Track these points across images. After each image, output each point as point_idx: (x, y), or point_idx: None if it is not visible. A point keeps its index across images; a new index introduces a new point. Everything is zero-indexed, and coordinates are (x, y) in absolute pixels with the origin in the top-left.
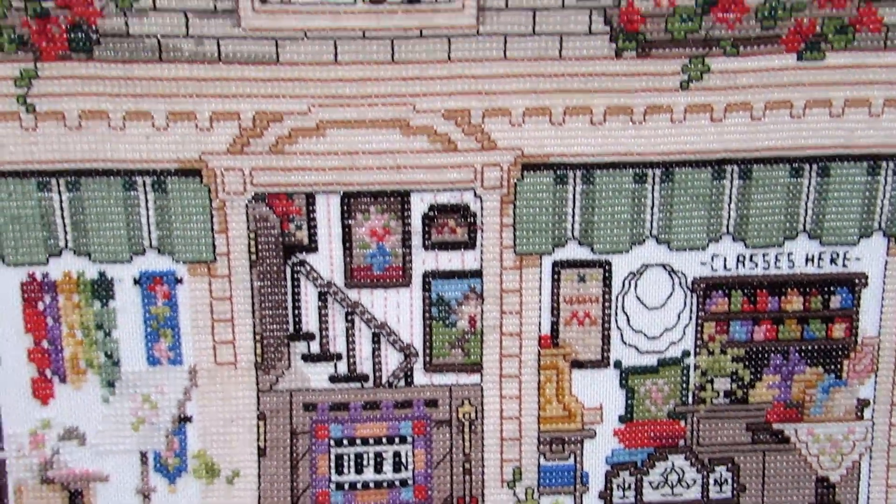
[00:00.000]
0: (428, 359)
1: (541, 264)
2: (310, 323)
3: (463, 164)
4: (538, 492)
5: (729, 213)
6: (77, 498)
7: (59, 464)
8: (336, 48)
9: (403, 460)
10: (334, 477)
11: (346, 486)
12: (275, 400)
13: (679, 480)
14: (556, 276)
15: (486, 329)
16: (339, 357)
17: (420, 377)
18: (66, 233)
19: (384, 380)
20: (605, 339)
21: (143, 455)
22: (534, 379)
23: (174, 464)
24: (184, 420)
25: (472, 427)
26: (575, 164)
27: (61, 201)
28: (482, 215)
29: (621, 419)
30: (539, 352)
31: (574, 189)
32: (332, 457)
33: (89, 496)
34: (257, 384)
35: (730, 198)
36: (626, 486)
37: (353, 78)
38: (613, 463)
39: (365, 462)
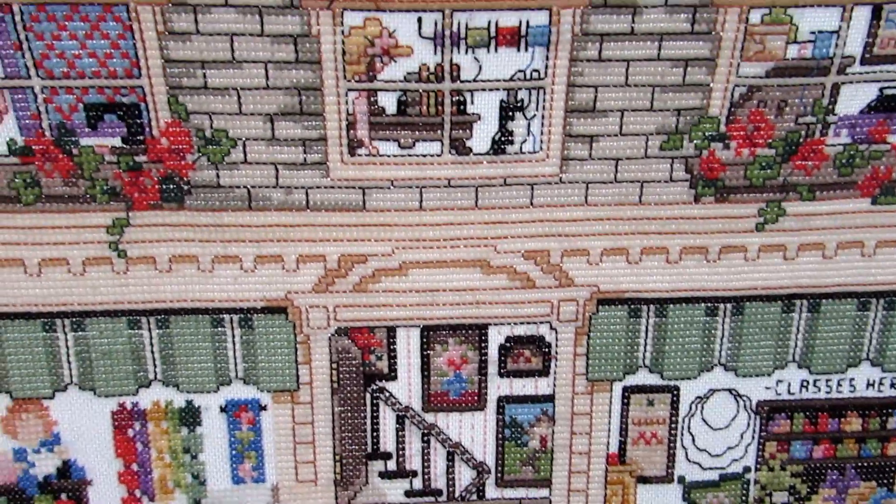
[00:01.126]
0: (500, 475)
1: (611, 389)
2: (387, 443)
3: (540, 300)
4: None
5: (796, 342)
6: None
7: None
8: (421, 195)
9: None
10: None
11: None
12: None
13: None
14: (625, 400)
15: (556, 448)
16: (414, 474)
17: (492, 491)
18: (155, 365)
19: (457, 494)
20: (671, 457)
21: None
22: (600, 493)
23: None
24: None
25: None
26: (649, 299)
27: (151, 338)
28: (557, 345)
29: None
30: (607, 469)
31: (647, 321)
32: None
33: None
34: (336, 499)
35: (797, 329)
36: None
37: (436, 223)
38: None
39: None
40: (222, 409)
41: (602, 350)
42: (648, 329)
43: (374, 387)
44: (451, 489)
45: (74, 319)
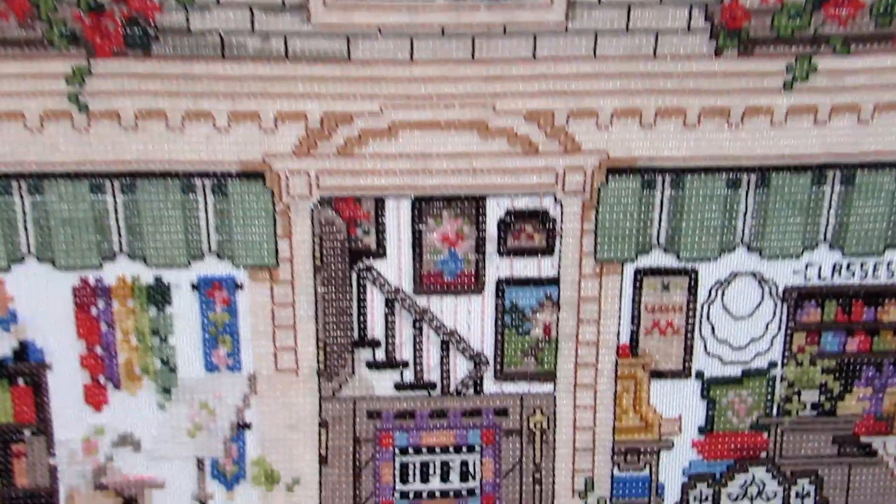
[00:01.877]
0: (499, 367)
1: (622, 272)
2: (375, 330)
3: (544, 168)
4: (611, 503)
5: (827, 220)
6: (130, 503)
7: (113, 470)
8: (412, 45)
9: (471, 469)
10: (399, 485)
11: (411, 495)
12: (337, 407)
13: (759, 493)
14: (638, 284)
15: (561, 337)
16: (405, 365)
17: (490, 386)
18: (120, 237)
19: (452, 388)
20: (688, 349)
21: (200, 462)
22: (610, 389)
23: (232, 471)
24: (242, 427)
25: (544, 437)
26: (664, 168)
27: (115, 204)
28: (562, 221)
29: (701, 430)
30: (617, 361)
31: (662, 194)
32: (397, 465)
33: (143, 500)
34: (319, 391)
35: (829, 204)
36: (703, 498)
37: (429, 77)
38: (691, 475)
39: (431, 471)
40: (194, 287)
41: (612, 226)
42: (663, 203)
43: (361, 265)
44: (445, 382)
45: (31, 181)
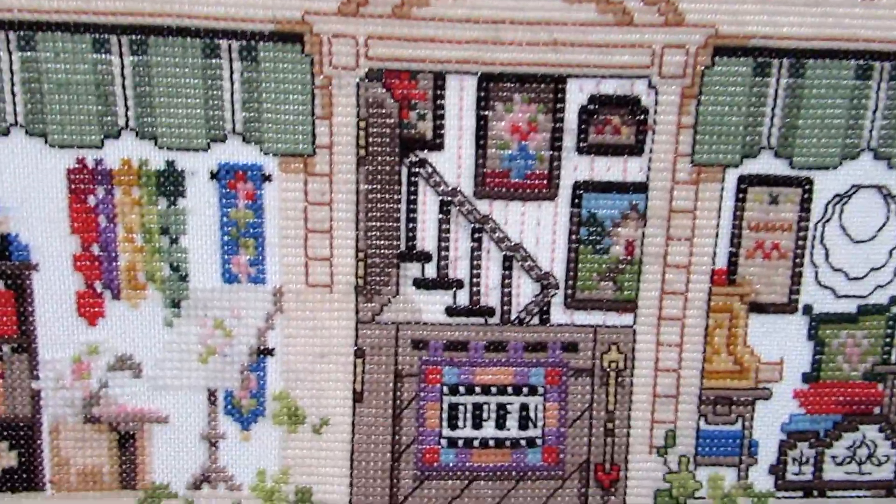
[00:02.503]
0: (570, 292)
1: (723, 179)
2: (426, 240)
3: (638, 44)
4: (694, 461)
5: None
6: (128, 442)
7: (108, 399)
8: None
9: (532, 415)
10: (446, 431)
11: (460, 443)
12: (377, 333)
13: (869, 456)
14: (741, 196)
15: (646, 258)
16: (459, 285)
17: (558, 314)
18: (127, 108)
19: (514, 316)
20: (795, 278)
21: (212, 393)
22: (701, 323)
23: (249, 406)
24: (264, 353)
25: (619, 379)
26: (781, 49)
27: (123, 66)
28: (656, 112)
29: (805, 378)
30: (711, 290)
31: (777, 83)
32: (445, 407)
33: (143, 440)
34: (356, 313)
35: None
36: (804, 460)
37: None
38: (791, 431)
39: (485, 415)
40: (213, 176)
41: (715, 121)
42: (778, 93)
43: (414, 158)
44: (505, 308)
45: (21, 33)
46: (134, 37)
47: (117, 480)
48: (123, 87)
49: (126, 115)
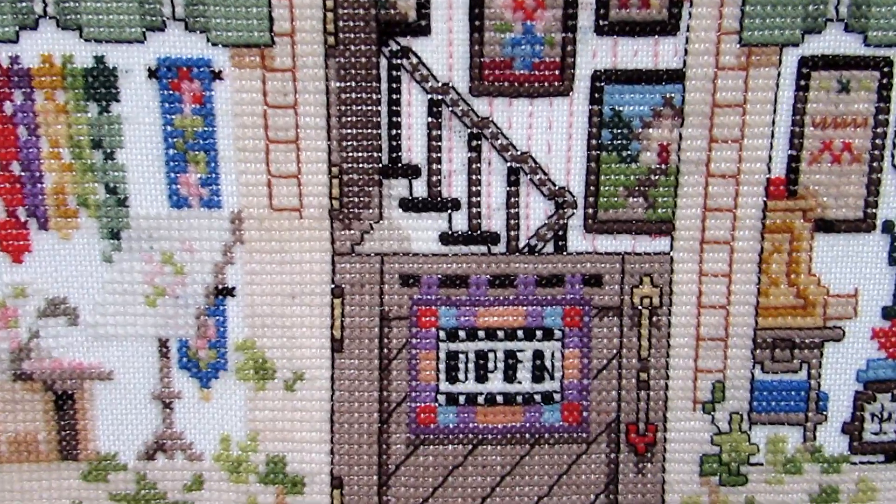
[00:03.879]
0: (591, 212)
1: (780, 62)
2: (414, 151)
3: None
4: (749, 419)
5: None
6: (66, 404)
7: (40, 352)
8: None
9: (548, 365)
10: (444, 386)
11: (462, 400)
12: (358, 268)
13: None
14: (802, 83)
15: (684, 166)
16: (455, 205)
17: (577, 240)
18: None
19: (523, 243)
20: (872, 188)
21: (163, 344)
22: (754, 247)
23: (208, 358)
24: (223, 293)
25: (654, 319)
26: None
27: None
28: None
29: (886, 314)
30: (766, 205)
31: None
32: (442, 356)
33: (84, 402)
34: (332, 243)
35: None
36: (885, 416)
37: None
38: (869, 380)
39: (490, 365)
40: (152, 74)
41: None
42: None
43: (395, 46)
44: (512, 234)
45: None
46: None
47: (55, 450)
48: None
49: (43, 0)
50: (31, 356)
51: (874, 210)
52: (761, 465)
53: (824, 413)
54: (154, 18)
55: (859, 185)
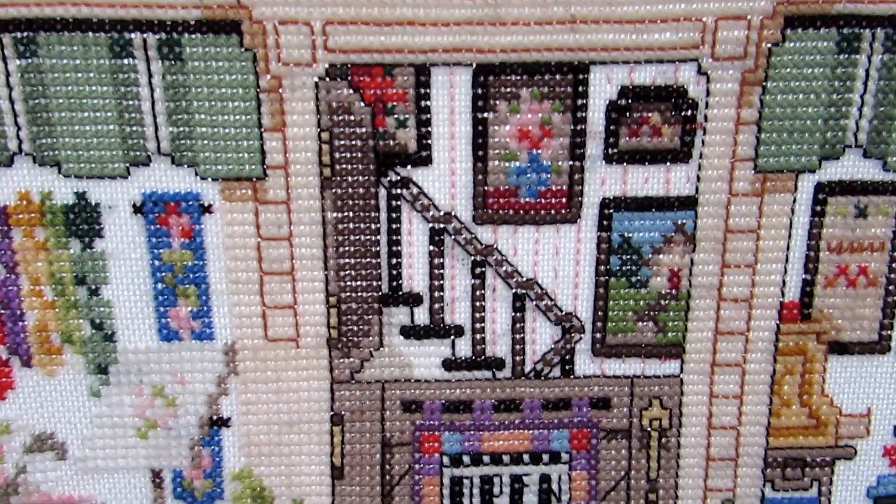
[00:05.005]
0: (599, 336)
1: (796, 188)
2: (415, 279)
3: (684, 17)
4: None
5: None
6: None
7: (28, 486)
8: None
9: (555, 488)
10: None
11: None
12: (358, 395)
13: None
14: (819, 209)
15: (695, 291)
16: (459, 332)
17: (585, 364)
18: (18, 127)
19: (529, 368)
20: (888, 311)
21: (157, 475)
22: (766, 369)
23: (204, 488)
24: (217, 424)
25: (664, 440)
26: (875, 15)
27: (7, 73)
28: (707, 105)
29: None
30: (779, 328)
31: (869, 61)
32: (446, 482)
33: None
34: (331, 371)
35: None
36: None
37: None
38: (880, 496)
39: (496, 490)
40: (137, 210)
41: (786, 114)
42: (870, 75)
43: (394, 177)
44: (518, 359)
45: None
46: (20, 33)
47: None
48: (11, 99)
49: (17, 136)
50: (18, 491)
51: (889, 332)
52: None
53: None
54: (138, 154)
55: (875, 308)
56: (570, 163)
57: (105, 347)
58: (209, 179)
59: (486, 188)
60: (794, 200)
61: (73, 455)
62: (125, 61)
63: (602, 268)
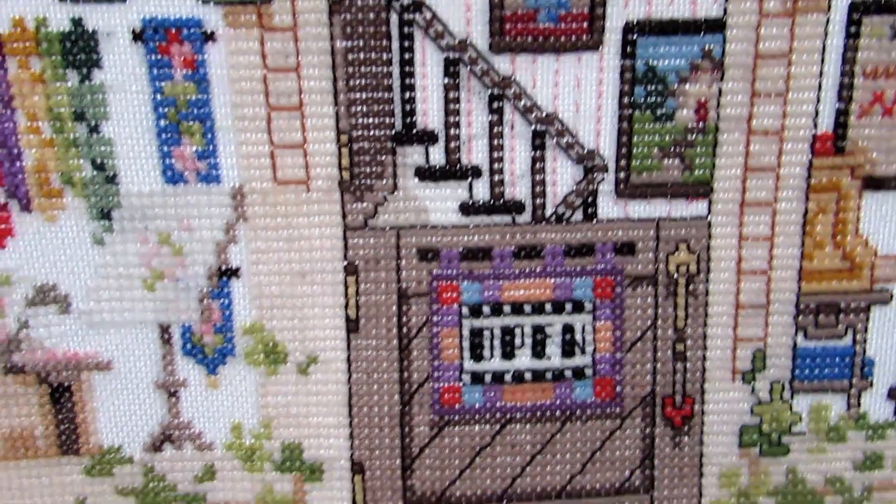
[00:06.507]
0: (623, 175)
1: (828, 7)
2: (430, 115)
3: None
4: (791, 388)
5: None
6: (62, 396)
7: (31, 342)
8: None
9: (578, 339)
10: (468, 364)
11: (488, 379)
12: (372, 242)
13: None
14: (852, 29)
15: (723, 123)
16: (476, 173)
17: (608, 206)
18: None
19: (550, 211)
20: None
21: (165, 330)
22: (798, 208)
23: (214, 344)
24: (227, 274)
25: (691, 287)
26: None
27: None
28: None
29: None
30: (811, 163)
31: None
32: (466, 333)
33: (81, 393)
34: (343, 217)
35: None
36: None
37: None
38: None
39: (517, 342)
40: (137, 37)
41: None
42: None
43: (405, 1)
44: (538, 202)
45: None
46: None
47: (55, 445)
48: None
49: None
50: (21, 348)
51: None
52: (803, 434)
53: (869, 379)
54: None
55: None
56: None
57: (107, 190)
58: (211, 3)
59: (502, 12)
60: (828, 21)
61: (77, 308)
62: None
63: (626, 100)
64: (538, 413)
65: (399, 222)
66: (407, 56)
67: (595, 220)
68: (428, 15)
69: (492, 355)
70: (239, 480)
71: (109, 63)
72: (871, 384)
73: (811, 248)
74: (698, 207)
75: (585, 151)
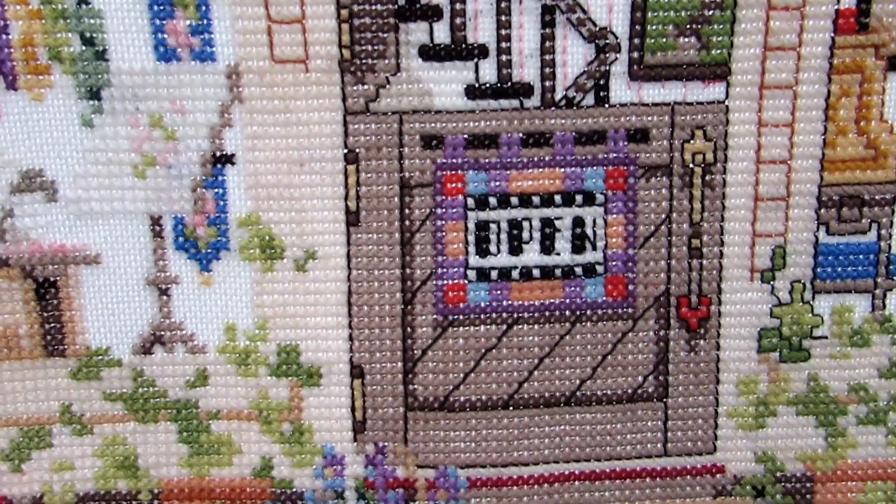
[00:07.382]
0: (637, 55)
1: None
2: None
3: None
4: (812, 288)
5: None
6: (48, 292)
7: (15, 233)
8: None
9: (589, 233)
10: (474, 260)
11: (494, 275)
12: (374, 128)
13: None
14: None
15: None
16: (483, 52)
17: (621, 89)
18: None
19: (559, 94)
20: None
21: (156, 221)
22: (820, 91)
23: (208, 237)
24: (221, 161)
25: (708, 177)
26: None
27: None
28: None
29: None
30: (833, 41)
31: None
32: (471, 226)
33: (68, 289)
34: (343, 100)
35: None
36: None
37: None
38: None
39: (525, 236)
40: None
41: None
42: None
43: None
44: (547, 84)
45: None
46: None
47: (39, 346)
48: None
49: None
50: (5, 238)
51: None
52: (825, 338)
53: (894, 277)
54: None
55: None
56: None
57: (97, 67)
58: None
59: None
60: None
61: (64, 196)
62: None
63: None
64: (546, 313)
65: (402, 106)
66: None
67: (607, 105)
68: None
69: (498, 250)
70: (232, 386)
71: None
72: None
73: (834, 134)
74: (715, 91)
75: (597, 29)
